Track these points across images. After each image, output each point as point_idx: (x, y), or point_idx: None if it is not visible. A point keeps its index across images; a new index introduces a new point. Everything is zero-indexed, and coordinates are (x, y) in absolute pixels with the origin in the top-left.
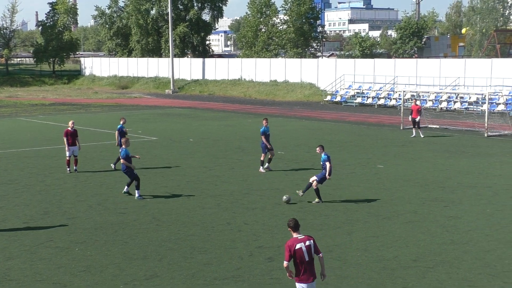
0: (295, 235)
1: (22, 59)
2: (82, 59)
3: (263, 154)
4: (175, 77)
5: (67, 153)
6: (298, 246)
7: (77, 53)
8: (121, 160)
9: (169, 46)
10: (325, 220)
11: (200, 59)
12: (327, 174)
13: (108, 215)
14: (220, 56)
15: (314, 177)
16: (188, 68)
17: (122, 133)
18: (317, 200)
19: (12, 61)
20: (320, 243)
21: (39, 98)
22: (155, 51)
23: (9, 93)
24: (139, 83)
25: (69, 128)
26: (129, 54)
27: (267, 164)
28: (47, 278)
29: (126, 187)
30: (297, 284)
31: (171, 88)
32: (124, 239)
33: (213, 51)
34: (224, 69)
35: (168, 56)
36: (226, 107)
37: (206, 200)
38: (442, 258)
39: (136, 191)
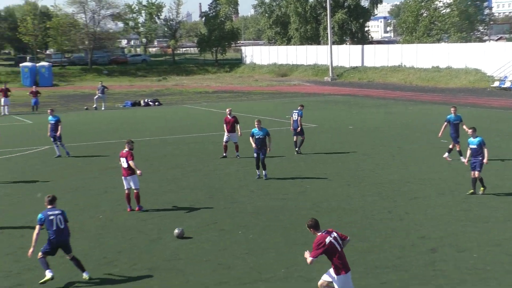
0: (318, 233)
1: (187, 49)
2: (243, 48)
3: (455, 144)
4: (334, 64)
5: (224, 138)
6: (328, 240)
7: (238, 42)
8: None
9: (327, 33)
10: (492, 212)
11: (359, 46)
12: (485, 160)
13: (269, 200)
14: (379, 42)
15: (475, 172)
16: (347, 55)
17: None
18: (482, 189)
19: (178, 51)
20: (486, 236)
21: (203, 86)
22: (314, 38)
23: (175, 82)
24: (298, 71)
25: (228, 116)
26: (288, 42)
27: (447, 156)
28: (212, 259)
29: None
30: (338, 277)
31: (330, 75)
32: (284, 224)
33: (372, 37)
34: (383, 55)
35: (327, 44)
36: (386, 94)
37: (366, 188)
38: None
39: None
